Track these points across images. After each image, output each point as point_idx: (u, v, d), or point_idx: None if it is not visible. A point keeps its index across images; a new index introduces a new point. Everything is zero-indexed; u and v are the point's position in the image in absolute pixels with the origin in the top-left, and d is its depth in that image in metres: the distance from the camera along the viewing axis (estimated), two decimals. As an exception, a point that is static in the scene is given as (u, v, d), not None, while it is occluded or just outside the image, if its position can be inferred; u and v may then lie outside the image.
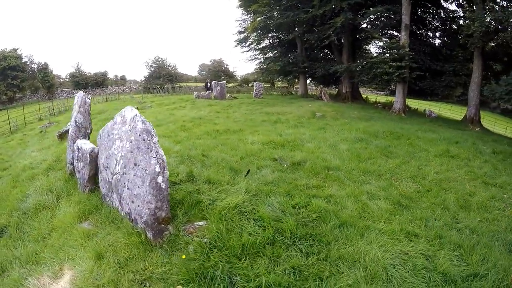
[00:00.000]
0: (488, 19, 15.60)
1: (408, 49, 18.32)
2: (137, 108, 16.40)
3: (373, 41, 25.93)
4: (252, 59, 30.88)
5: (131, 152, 4.04)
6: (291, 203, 4.89)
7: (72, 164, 7.14)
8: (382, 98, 29.13)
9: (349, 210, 4.94)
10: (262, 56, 30.48)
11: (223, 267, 3.40)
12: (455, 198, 6.12)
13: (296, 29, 24.70)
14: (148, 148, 3.86)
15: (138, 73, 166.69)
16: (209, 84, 31.05)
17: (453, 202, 5.95)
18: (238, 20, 30.10)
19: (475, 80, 18.36)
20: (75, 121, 7.20)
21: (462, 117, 20.12)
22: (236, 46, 30.91)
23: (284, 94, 31.23)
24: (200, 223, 4.21)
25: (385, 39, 20.13)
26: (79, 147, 6.24)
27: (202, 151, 7.60)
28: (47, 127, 15.63)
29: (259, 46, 29.83)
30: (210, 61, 45.56)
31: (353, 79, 24.12)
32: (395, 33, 22.84)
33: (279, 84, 45.49)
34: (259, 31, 26.61)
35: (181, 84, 38.13)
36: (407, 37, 19.26)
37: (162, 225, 3.96)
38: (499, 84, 15.91)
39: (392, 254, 3.80)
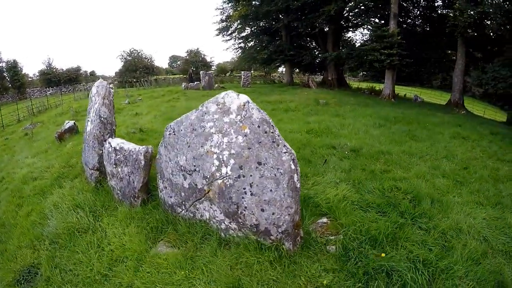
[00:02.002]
0: (476, 11, 15.44)
1: (399, 37, 17.88)
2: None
3: (356, 29, 25.35)
4: (236, 48, 29.09)
5: (249, 148, 3.14)
6: (384, 187, 4.77)
7: (99, 169, 5.48)
8: (363, 84, 28.98)
9: (427, 189, 4.94)
10: (244, 44, 28.75)
11: (387, 259, 3.04)
12: (488, 173, 6.35)
13: (282, 16, 23.31)
14: (273, 141, 3.09)
15: (107, 68, 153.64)
16: (192, 75, 28.95)
17: (488, 176, 6.20)
18: (218, 9, 27.97)
19: (459, 67, 18.35)
20: (100, 116, 5.50)
21: (446, 102, 20.28)
22: (217, 35, 28.81)
23: (267, 83, 29.98)
24: (323, 220, 3.74)
25: (374, 28, 19.41)
26: (118, 148, 4.69)
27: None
28: (31, 128, 13.01)
29: (242, 35, 28.07)
30: (186, 52, 42.60)
31: (340, 66, 23.49)
32: (377, 21, 22.46)
33: (253, 73, 43.96)
34: (243, 20, 24.79)
35: (158, 77, 35.11)
36: (396, 25, 18.83)
37: (296, 231, 3.27)
38: (485, 71, 16.09)
39: (478, 220, 4.08)
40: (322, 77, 27.64)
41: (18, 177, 6.69)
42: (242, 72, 24.48)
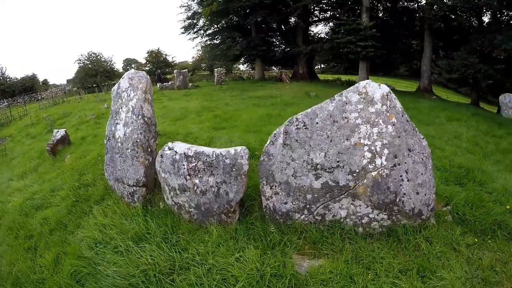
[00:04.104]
0: (447, 4, 16.02)
1: (374, 29, 18.06)
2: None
3: (327, 23, 25.22)
4: (204, 46, 27.20)
5: (399, 137, 3.11)
6: (443, 164, 5.13)
7: (146, 185, 4.06)
8: (327, 76, 29.34)
9: (468, 163, 5.26)
10: (211, 42, 27.04)
11: (496, 214, 3.46)
12: (494, 147, 6.96)
13: (248, 12, 22.16)
14: (413, 129, 3.21)
15: (58, 76, 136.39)
16: (161, 76, 26.61)
17: (495, 149, 6.78)
18: (183, 6, 25.79)
19: (426, 56, 19.12)
20: (143, 116, 4.10)
21: (416, 88, 21.15)
22: (182, 33, 26.73)
23: (236, 80, 28.74)
24: (446, 208, 3.72)
25: (349, 22, 19.28)
26: (192, 154, 3.52)
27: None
28: (1, 143, 10.24)
29: (210, 32, 26.33)
30: (147, 52, 39.07)
31: (311, 60, 23.24)
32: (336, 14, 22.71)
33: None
34: (213, 16, 23.15)
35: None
36: (368, 18, 19.03)
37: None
38: (454, 59, 16.92)
39: (512, 182, 4.51)
40: (291, 71, 27.23)
41: (13, 208, 4.85)
42: (215, 69, 22.96)
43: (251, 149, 5.43)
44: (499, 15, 16.89)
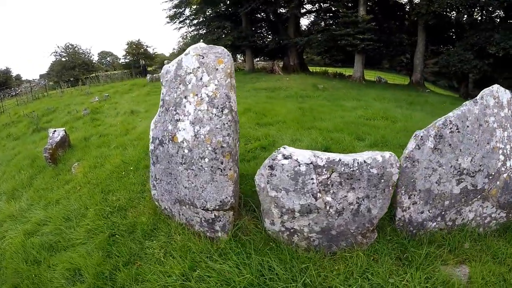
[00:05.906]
0: (445, 2, 15.81)
1: (374, 23, 17.44)
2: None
3: (320, 15, 24.12)
4: (193, 35, 24.99)
5: None
6: None
7: (233, 208, 2.76)
8: (315, 68, 28.50)
9: None
10: (197, 32, 24.94)
11: None
12: None
13: (241, 0, 20.55)
14: None
15: (30, 71, 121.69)
16: (146, 68, 24.24)
17: None
18: (167, -7, 23.41)
19: (420, 50, 19.07)
20: (231, 109, 2.76)
21: (408, 82, 21.06)
22: (168, 23, 24.50)
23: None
24: None
25: (348, 14, 18.43)
26: (325, 163, 2.74)
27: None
28: None
29: (198, 21, 24.27)
30: (127, 44, 35.47)
31: (302, 52, 22.19)
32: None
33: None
34: (203, 4, 21.20)
35: (97, 73, 28.37)
36: (365, 11, 18.46)
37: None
38: (450, 55, 16.86)
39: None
40: (280, 62, 26.03)
41: (12, 250, 3.16)
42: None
43: (329, 150, 4.22)
44: (492, 14, 17.01)
